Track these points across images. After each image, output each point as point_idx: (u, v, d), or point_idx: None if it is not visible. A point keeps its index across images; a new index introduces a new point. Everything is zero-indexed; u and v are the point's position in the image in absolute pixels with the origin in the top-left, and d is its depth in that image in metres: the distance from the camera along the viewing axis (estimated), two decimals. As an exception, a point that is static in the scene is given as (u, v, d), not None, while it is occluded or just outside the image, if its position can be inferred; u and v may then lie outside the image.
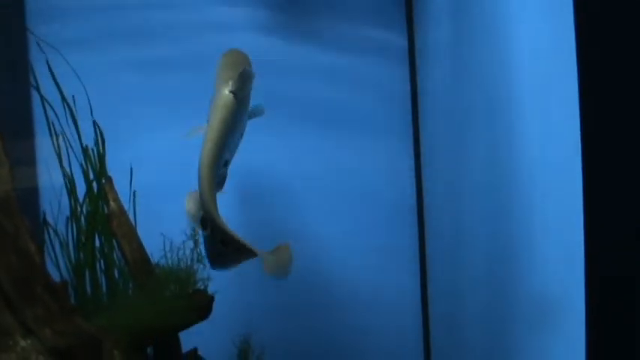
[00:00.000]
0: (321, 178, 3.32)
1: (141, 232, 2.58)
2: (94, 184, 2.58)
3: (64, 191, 2.56)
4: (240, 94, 2.47)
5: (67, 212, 2.58)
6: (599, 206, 1.73)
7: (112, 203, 2.56)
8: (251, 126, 2.64)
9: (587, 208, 1.74)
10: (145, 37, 3.14)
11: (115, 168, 2.63)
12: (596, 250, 1.73)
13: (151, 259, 2.54)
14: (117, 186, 2.59)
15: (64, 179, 2.55)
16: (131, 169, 2.65)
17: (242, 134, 2.59)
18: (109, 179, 2.58)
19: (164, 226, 2.49)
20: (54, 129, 2.52)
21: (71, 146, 2.56)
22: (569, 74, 1.78)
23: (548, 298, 2.02)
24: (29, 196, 2.96)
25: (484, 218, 2.52)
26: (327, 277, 3.29)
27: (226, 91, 2.46)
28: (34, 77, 2.52)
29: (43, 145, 2.62)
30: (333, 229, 3.32)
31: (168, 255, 2.49)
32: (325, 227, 3.32)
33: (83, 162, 2.56)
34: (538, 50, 2.03)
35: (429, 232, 3.27)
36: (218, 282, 2.52)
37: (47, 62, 2.49)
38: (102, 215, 2.55)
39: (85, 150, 2.56)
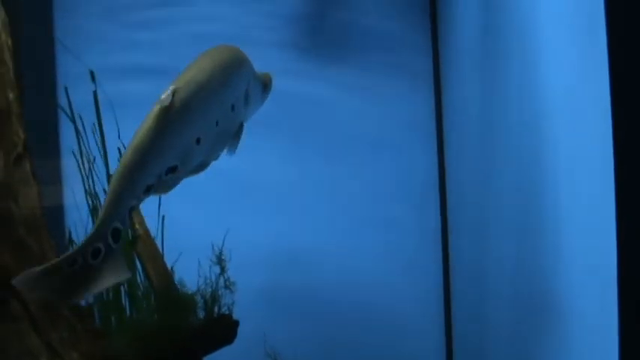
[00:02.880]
0: (344, 198, 3.31)
1: (167, 254, 2.56)
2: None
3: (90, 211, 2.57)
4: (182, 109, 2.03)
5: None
6: (632, 228, 1.71)
7: (137, 226, 2.55)
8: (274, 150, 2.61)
9: (619, 233, 1.72)
10: (172, 59, 3.15)
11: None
12: (630, 272, 1.71)
13: (177, 283, 2.52)
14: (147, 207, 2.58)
15: (87, 199, 2.56)
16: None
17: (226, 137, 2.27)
18: (135, 202, 2.57)
19: (190, 250, 2.48)
20: (81, 148, 2.54)
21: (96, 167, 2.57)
22: (599, 92, 1.76)
23: (576, 318, 2.00)
24: (55, 215, 2.96)
25: (510, 237, 2.50)
26: (348, 296, 3.28)
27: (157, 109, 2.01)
28: (67, 97, 2.54)
29: (70, 164, 2.61)
30: (355, 248, 3.31)
31: (194, 279, 2.47)
32: (347, 245, 3.30)
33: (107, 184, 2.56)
34: (567, 69, 2.02)
35: (452, 253, 3.25)
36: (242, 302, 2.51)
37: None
38: (126, 238, 2.54)
39: (109, 173, 2.56)
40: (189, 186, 2.87)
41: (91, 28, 3.10)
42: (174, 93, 1.99)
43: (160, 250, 2.57)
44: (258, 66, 2.71)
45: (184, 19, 3.16)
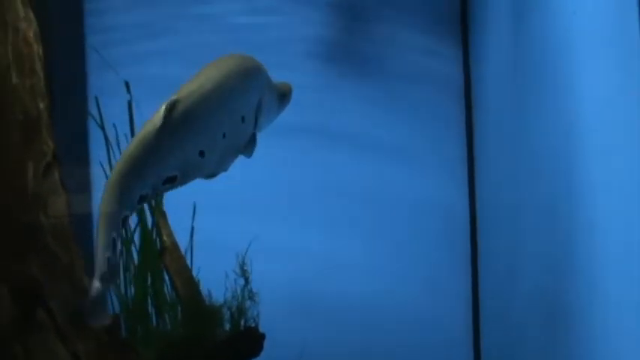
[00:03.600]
0: (371, 209, 3.29)
1: (195, 267, 2.56)
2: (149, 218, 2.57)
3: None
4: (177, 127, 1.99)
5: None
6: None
7: (165, 238, 2.55)
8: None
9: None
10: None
11: (175, 201, 2.61)
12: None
13: (203, 295, 2.51)
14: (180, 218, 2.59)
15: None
16: (194, 205, 2.63)
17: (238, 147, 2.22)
18: (163, 214, 2.58)
19: (217, 262, 2.47)
20: (110, 158, 2.54)
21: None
22: (634, 116, 1.74)
23: (607, 332, 1.97)
24: (84, 224, 2.96)
25: (541, 254, 2.48)
26: (372, 305, 3.25)
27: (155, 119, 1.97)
28: (98, 107, 2.55)
29: (100, 173, 2.61)
30: (383, 256, 3.28)
31: (221, 291, 2.47)
32: (376, 254, 3.28)
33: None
34: (603, 83, 2.00)
35: (482, 265, 3.22)
36: (268, 318, 2.49)
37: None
38: (154, 250, 2.55)
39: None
40: (216, 196, 2.91)
41: (124, 38, 3.11)
42: (175, 104, 1.96)
43: (188, 261, 2.56)
44: (283, 76, 2.72)
45: (211, 29, 3.17)
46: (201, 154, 2.03)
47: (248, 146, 2.20)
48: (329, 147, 3.20)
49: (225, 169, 2.16)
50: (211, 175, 2.13)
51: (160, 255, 2.53)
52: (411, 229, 3.28)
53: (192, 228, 2.61)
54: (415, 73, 3.28)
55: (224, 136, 2.07)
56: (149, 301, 2.57)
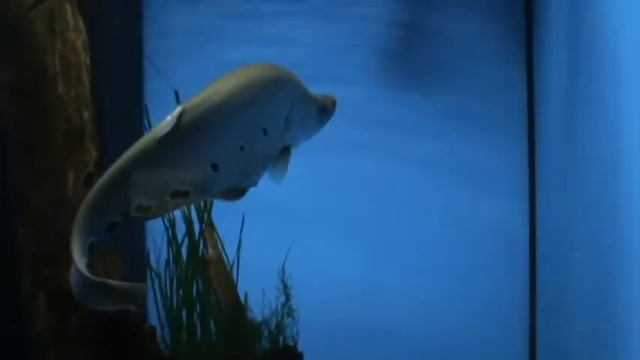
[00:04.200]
0: (427, 227, 3.19)
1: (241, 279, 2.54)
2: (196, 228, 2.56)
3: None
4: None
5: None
6: None
7: (210, 250, 2.53)
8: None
9: None
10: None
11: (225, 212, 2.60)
12: None
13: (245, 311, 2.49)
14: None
15: (164, 221, 2.56)
16: (243, 216, 2.61)
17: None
18: (210, 225, 2.56)
19: (263, 276, 2.44)
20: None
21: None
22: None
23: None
24: (136, 234, 2.99)
25: (596, 290, 2.35)
26: (423, 330, 3.16)
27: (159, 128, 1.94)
28: (147, 116, 2.56)
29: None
30: (434, 279, 3.19)
31: (259, 306, 2.45)
32: (426, 276, 3.19)
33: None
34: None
35: (540, 294, 3.09)
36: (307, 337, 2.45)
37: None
38: (200, 261, 2.53)
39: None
40: (264, 213, 2.89)
41: (180, 46, 3.12)
42: (180, 114, 1.91)
43: (233, 275, 2.54)
44: (337, 88, 2.64)
45: (267, 42, 3.14)
46: (215, 167, 1.97)
47: (280, 160, 2.12)
48: (383, 163, 3.13)
49: (255, 184, 2.10)
50: (238, 191, 2.07)
51: (204, 267, 2.52)
52: (468, 252, 3.17)
53: (240, 241, 2.58)
54: (476, 86, 3.17)
55: (242, 149, 2.01)
56: (194, 311, 2.56)
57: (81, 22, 2.31)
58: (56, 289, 2.14)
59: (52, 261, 2.15)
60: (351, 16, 3.17)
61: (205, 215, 2.56)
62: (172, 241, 2.56)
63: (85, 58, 2.30)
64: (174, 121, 1.90)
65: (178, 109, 1.91)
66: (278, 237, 2.79)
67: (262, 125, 2.05)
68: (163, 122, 1.91)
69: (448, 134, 3.16)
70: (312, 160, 3.05)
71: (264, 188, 2.98)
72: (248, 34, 3.12)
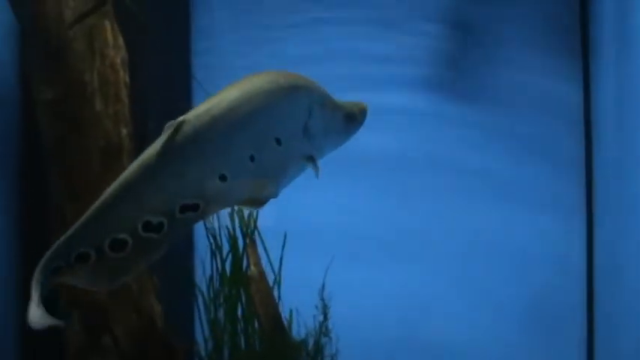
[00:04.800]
0: (475, 247, 3.07)
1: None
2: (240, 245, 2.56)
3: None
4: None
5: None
6: None
7: (252, 267, 2.51)
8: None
9: None
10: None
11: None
12: None
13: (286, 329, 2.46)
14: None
15: (208, 237, 2.56)
16: (285, 234, 2.58)
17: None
18: (253, 242, 2.54)
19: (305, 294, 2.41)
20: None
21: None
22: None
23: None
24: (184, 251, 2.99)
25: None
26: (474, 353, 3.04)
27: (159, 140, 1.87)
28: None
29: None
30: (487, 302, 3.07)
31: (302, 325, 2.42)
32: (477, 298, 3.07)
33: (229, 223, 2.55)
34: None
35: (597, 317, 2.95)
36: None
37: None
38: (243, 278, 2.52)
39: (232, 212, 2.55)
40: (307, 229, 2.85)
41: (229, 61, 3.11)
42: (180, 125, 1.84)
43: (274, 292, 2.51)
44: (387, 100, 2.57)
45: (323, 55, 3.10)
46: (223, 178, 1.90)
47: (301, 168, 2.06)
48: (431, 178, 3.04)
49: (275, 195, 2.02)
50: (259, 200, 1.99)
51: (246, 284, 2.50)
52: (522, 272, 3.05)
53: (281, 258, 2.54)
54: (531, 100, 3.06)
55: (252, 159, 1.93)
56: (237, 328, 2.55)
57: (120, 40, 2.33)
58: (90, 308, 2.16)
59: (86, 278, 2.16)
60: (405, 30, 3.12)
61: (249, 233, 2.56)
62: (216, 258, 2.56)
63: (123, 76, 2.31)
64: (171, 132, 1.83)
65: (178, 121, 1.84)
66: (320, 254, 2.74)
67: (274, 134, 1.97)
68: (164, 133, 1.84)
69: (502, 150, 3.06)
70: (359, 174, 3.02)
71: (308, 206, 3.00)
72: (298, 48, 3.08)
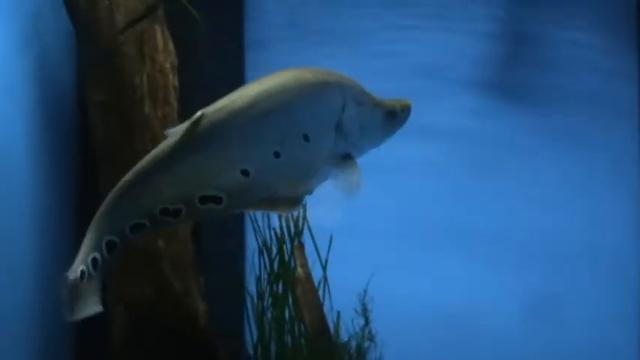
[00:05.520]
0: (531, 249, 3.04)
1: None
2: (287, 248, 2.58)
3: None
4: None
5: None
6: None
7: (299, 269, 2.53)
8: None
9: None
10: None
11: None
12: None
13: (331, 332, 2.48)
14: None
15: (256, 238, 2.59)
16: (331, 236, 2.59)
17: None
18: (300, 245, 2.56)
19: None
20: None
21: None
22: None
23: None
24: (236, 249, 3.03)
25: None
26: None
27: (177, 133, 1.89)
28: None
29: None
30: (539, 304, 3.02)
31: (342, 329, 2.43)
32: (530, 301, 3.02)
33: (278, 225, 2.58)
34: None
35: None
36: None
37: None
38: (291, 279, 2.55)
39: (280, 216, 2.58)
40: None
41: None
42: (198, 119, 1.86)
43: (320, 295, 2.53)
44: (441, 104, 2.53)
45: (372, 55, 3.09)
46: (245, 173, 1.90)
47: (344, 170, 1.99)
48: (484, 180, 3.01)
49: (309, 192, 2.00)
50: (293, 198, 1.98)
51: (293, 286, 2.52)
52: (576, 276, 2.98)
53: (326, 261, 2.56)
54: (590, 101, 2.99)
55: (277, 155, 1.92)
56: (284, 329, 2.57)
57: (170, 44, 2.38)
58: (133, 304, 2.21)
59: (131, 277, 2.22)
60: (456, 30, 3.09)
61: (297, 234, 2.58)
62: (264, 259, 2.60)
63: (173, 80, 2.36)
64: (189, 126, 1.86)
65: (197, 114, 1.86)
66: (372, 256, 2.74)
67: (301, 131, 1.94)
68: (182, 126, 1.87)
69: (557, 153, 3.01)
70: (410, 177, 3.01)
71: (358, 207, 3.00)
72: (352, 56, 3.08)
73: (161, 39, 2.36)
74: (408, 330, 2.86)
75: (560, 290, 3.00)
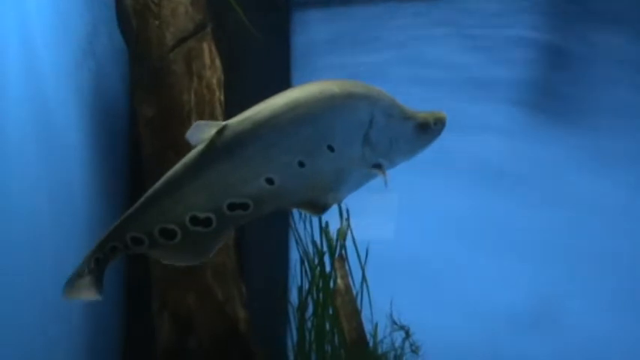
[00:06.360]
0: (564, 262, 3.05)
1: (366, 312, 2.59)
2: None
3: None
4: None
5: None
6: None
7: (339, 281, 2.60)
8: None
9: None
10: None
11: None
12: None
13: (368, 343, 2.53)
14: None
15: (298, 250, 2.66)
16: (367, 248, 2.65)
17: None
18: (341, 257, 2.63)
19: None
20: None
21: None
22: None
23: None
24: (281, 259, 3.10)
25: None
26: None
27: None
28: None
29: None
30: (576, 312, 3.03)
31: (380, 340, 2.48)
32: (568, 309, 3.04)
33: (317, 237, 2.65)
34: None
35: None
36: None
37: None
38: (330, 291, 2.61)
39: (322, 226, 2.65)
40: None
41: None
42: (222, 129, 1.95)
43: (358, 306, 2.59)
44: (477, 121, 2.57)
45: (419, 73, 3.14)
46: (270, 181, 1.98)
47: (366, 176, 2.06)
48: (521, 199, 3.03)
49: (336, 201, 2.05)
50: (317, 206, 2.04)
51: (332, 296, 2.59)
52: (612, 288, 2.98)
53: (363, 271, 2.62)
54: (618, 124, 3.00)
55: (302, 164, 1.98)
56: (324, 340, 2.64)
57: (218, 61, 2.47)
58: (178, 311, 2.30)
59: (176, 284, 2.31)
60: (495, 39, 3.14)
61: (339, 246, 2.65)
62: (305, 270, 2.67)
63: (219, 95, 2.45)
64: (213, 136, 1.95)
65: (221, 124, 1.95)
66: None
67: (326, 142, 1.99)
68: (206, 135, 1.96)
69: (591, 169, 3.02)
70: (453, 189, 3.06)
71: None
72: (396, 66, 3.14)
73: (208, 56, 2.45)
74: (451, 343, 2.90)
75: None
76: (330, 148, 2.00)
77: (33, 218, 2.24)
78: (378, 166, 2.05)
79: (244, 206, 1.99)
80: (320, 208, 2.05)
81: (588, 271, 3.02)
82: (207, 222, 1.99)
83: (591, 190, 3.04)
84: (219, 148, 1.96)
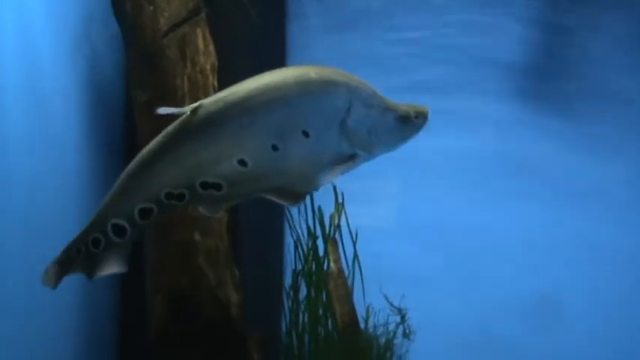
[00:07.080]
0: (559, 253, 3.08)
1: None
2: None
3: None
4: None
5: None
6: None
7: (332, 265, 2.62)
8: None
9: None
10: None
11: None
12: None
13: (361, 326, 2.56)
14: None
15: (291, 234, 2.68)
16: (356, 232, 2.67)
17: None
18: (334, 241, 2.65)
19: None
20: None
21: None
22: None
23: None
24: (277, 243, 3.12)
25: None
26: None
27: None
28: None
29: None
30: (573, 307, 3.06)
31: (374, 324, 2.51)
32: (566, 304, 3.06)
33: (311, 222, 2.67)
34: None
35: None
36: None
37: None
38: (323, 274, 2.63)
39: (316, 210, 2.66)
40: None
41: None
42: (196, 108, 1.97)
43: (350, 289, 2.61)
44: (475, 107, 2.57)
45: (419, 63, 3.15)
46: (242, 163, 1.99)
47: (340, 165, 2.03)
48: (523, 188, 3.05)
49: (315, 188, 2.06)
50: (296, 193, 2.03)
51: (325, 280, 2.61)
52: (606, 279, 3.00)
53: (355, 255, 2.64)
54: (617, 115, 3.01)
55: (275, 148, 1.99)
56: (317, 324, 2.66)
57: (211, 47, 2.49)
58: (171, 295, 2.33)
59: (169, 268, 2.34)
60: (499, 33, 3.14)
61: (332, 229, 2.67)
62: (299, 254, 2.69)
63: (212, 80, 2.47)
64: (187, 115, 1.98)
65: (195, 104, 1.98)
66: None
67: (300, 127, 1.99)
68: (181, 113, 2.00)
69: (587, 159, 3.03)
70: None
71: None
72: (394, 60, 3.14)
73: (202, 42, 2.47)
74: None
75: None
76: (305, 134, 2.00)
77: (28, 205, 2.26)
78: (353, 157, 2.05)
79: (217, 186, 2.00)
80: (296, 197, 2.05)
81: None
82: (180, 197, 2.00)
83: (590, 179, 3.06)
84: (194, 127, 1.98)
